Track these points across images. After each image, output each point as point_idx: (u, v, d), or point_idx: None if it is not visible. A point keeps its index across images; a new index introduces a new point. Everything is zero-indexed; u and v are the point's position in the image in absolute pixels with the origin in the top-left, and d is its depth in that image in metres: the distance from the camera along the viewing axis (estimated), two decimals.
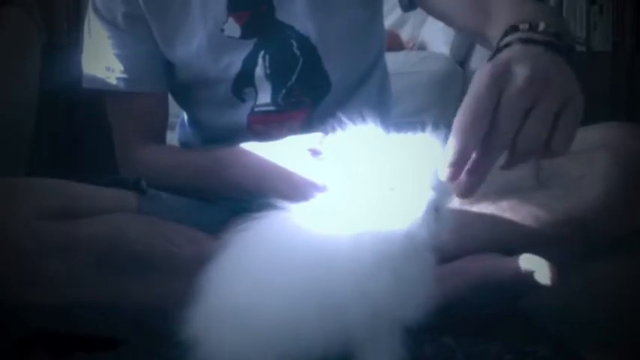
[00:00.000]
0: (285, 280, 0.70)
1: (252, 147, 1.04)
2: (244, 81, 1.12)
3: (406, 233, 0.67)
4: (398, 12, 2.28)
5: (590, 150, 0.91)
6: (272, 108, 1.13)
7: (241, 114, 1.14)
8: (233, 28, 1.10)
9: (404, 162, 0.68)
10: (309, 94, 1.13)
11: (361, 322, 0.70)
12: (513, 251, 0.92)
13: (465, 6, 1.01)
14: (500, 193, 0.95)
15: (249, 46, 1.11)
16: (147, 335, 0.91)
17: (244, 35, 1.11)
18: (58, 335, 0.93)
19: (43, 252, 0.87)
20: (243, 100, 1.13)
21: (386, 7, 1.22)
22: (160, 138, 1.20)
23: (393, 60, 2.00)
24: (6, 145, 1.56)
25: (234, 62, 1.11)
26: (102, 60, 1.13)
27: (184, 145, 1.26)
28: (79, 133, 2.11)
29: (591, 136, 0.94)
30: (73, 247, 0.88)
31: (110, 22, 1.11)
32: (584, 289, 0.96)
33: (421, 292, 0.70)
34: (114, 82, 1.12)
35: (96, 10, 1.12)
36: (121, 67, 1.12)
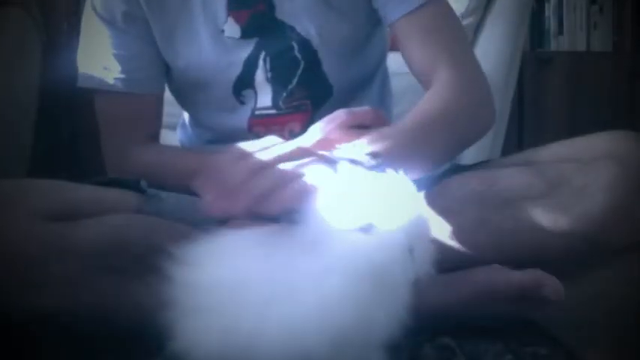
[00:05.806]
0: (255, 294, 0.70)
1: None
2: (245, 83, 1.11)
3: (376, 272, 0.68)
4: None
5: (595, 159, 0.90)
6: (273, 111, 1.12)
7: (242, 116, 1.13)
8: (233, 29, 1.09)
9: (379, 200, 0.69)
10: (310, 98, 1.13)
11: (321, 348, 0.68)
12: (520, 264, 0.91)
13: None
14: (504, 203, 0.94)
15: (249, 46, 1.10)
16: (147, 336, 0.91)
17: (244, 35, 1.10)
18: (58, 336, 0.93)
19: (43, 254, 0.87)
20: (242, 103, 1.13)
21: None
22: (154, 140, 1.18)
23: (393, 60, 2.00)
24: (6, 144, 1.56)
25: (234, 63, 1.10)
26: (99, 59, 1.11)
27: (185, 146, 1.25)
28: (78, 133, 2.10)
29: (596, 145, 0.93)
30: (73, 249, 0.88)
31: (109, 22, 1.10)
32: (585, 291, 0.95)
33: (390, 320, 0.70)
34: (111, 82, 1.10)
35: (94, 9, 1.11)
36: (119, 67, 1.10)
